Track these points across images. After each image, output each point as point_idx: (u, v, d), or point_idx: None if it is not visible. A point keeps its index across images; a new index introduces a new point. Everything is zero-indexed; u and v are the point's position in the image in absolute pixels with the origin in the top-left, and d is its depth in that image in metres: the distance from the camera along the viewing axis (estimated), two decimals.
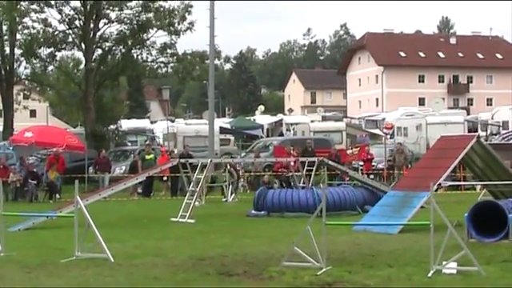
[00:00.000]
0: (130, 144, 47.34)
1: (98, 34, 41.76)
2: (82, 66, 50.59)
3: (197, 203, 22.42)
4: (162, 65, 44.12)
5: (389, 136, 51.71)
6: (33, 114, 71.78)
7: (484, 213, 15.42)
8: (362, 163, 36.20)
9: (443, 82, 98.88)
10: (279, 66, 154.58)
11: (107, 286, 11.06)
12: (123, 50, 42.80)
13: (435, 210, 11.51)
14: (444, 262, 11.43)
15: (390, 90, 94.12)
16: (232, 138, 52.28)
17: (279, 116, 70.54)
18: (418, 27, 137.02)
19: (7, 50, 42.27)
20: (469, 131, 48.16)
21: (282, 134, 58.51)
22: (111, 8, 41.47)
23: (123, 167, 36.02)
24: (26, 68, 43.96)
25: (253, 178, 33.84)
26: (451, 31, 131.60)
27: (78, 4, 41.14)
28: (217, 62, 44.75)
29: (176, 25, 41.86)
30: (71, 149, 32.62)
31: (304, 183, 24.73)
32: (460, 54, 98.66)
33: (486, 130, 53.43)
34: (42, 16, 41.21)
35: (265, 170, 34.52)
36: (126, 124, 57.08)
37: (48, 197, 30.14)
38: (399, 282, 10.98)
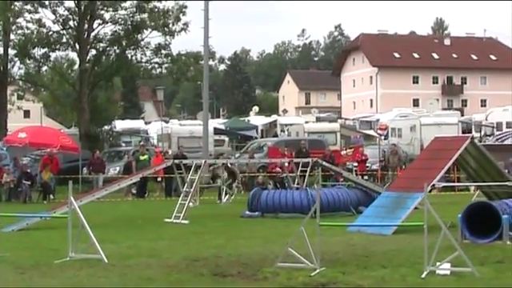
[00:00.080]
0: (124, 145, 47.31)
1: (92, 34, 41.72)
2: (76, 67, 50.49)
3: (191, 204, 22.40)
4: (157, 65, 44.11)
5: (383, 137, 51.82)
6: (27, 114, 71.62)
7: (478, 214, 15.45)
8: (356, 164, 36.22)
9: (437, 83, 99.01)
10: (274, 66, 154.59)
11: (101, 287, 11.05)
12: (117, 51, 42.76)
13: (429, 211, 11.53)
14: (438, 263, 11.44)
15: (384, 91, 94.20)
16: (226, 138, 52.31)
17: (273, 117, 70.57)
18: (413, 28, 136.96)
19: (1, 50, 42.21)
20: (463, 132, 48.27)
21: (276, 135, 58.55)
22: (105, 9, 41.43)
23: (117, 168, 36.00)
24: (19, 68, 43.95)
25: (247, 178, 33.82)
26: (445, 32, 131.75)
27: (72, 4, 41.11)
28: (211, 62, 44.81)
29: (170, 25, 41.84)
30: (65, 149, 32.57)
31: (298, 184, 24.73)
32: (454, 55, 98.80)
33: (480, 131, 53.55)
34: (36, 16, 41.23)
35: (259, 170, 34.50)
36: (120, 125, 57.04)
37: (42, 197, 30.09)
38: (393, 283, 10.99)
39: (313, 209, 12.23)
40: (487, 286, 10.79)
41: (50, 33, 41.46)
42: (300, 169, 24.96)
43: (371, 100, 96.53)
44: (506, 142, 47.22)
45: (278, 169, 29.47)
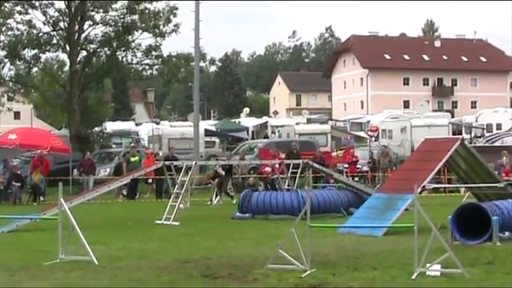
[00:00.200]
0: (114, 146, 47.22)
1: (83, 35, 41.59)
2: (66, 68, 50.36)
3: (181, 205, 22.38)
4: (147, 67, 43.99)
5: (373, 138, 51.90)
6: (17, 115, 71.43)
7: (468, 215, 15.48)
8: (346, 165, 36.26)
9: (428, 84, 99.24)
10: (264, 68, 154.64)
11: None
12: (108, 52, 42.64)
13: (419, 213, 11.55)
14: (428, 264, 11.47)
15: (374, 93, 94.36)
16: (217, 140, 52.31)
17: (264, 118, 70.59)
18: (403, 30, 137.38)
19: None
20: (453, 134, 48.40)
21: (267, 137, 58.54)
22: (96, 10, 41.30)
23: (108, 169, 35.93)
24: (10, 70, 43.70)
25: (238, 180, 33.79)
26: (436, 34, 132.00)
27: (62, 6, 40.97)
28: (202, 64, 44.74)
29: (161, 27, 41.74)
30: (55, 151, 32.49)
31: (289, 186, 24.73)
32: (444, 57, 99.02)
33: (471, 133, 53.70)
34: (27, 17, 41.01)
35: (250, 172, 34.49)
36: (110, 126, 56.92)
37: (32, 199, 30.01)
38: (383, 284, 11.01)
39: (303, 210, 12.24)
40: (477, 287, 10.81)
41: (41, 34, 41.30)
42: (291, 170, 24.97)
43: (362, 101, 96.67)
44: (496, 144, 47.39)
45: (267, 168, 29.44)
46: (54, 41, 41.65)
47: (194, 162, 23.96)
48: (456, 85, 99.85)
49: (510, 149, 38.23)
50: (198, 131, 37.38)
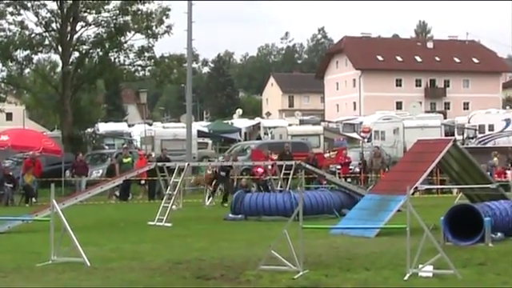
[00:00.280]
0: (107, 147, 47.18)
1: (75, 36, 41.52)
2: (58, 69, 50.29)
3: (174, 207, 22.37)
4: (140, 68, 43.95)
5: (366, 140, 51.92)
6: (9, 117, 71.19)
7: (460, 216, 15.51)
8: (339, 167, 36.26)
9: (420, 85, 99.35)
10: (257, 69, 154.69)
11: None
12: (100, 53, 42.58)
13: (412, 214, 11.56)
14: (420, 265, 11.48)
15: (367, 94, 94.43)
16: (210, 141, 52.29)
17: (257, 120, 70.57)
18: (396, 31, 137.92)
19: None
20: (446, 135, 48.51)
21: (259, 138, 58.54)
22: (88, 11, 41.24)
23: (100, 171, 35.89)
24: (1, 71, 43.63)
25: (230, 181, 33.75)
26: (428, 35, 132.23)
27: (54, 6, 40.91)
28: (194, 65, 44.82)
29: (154, 28, 41.72)
30: (48, 152, 32.43)
31: (281, 187, 24.74)
32: (437, 58, 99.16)
33: (463, 134, 53.80)
34: (19, 18, 40.95)
35: (242, 173, 34.47)
36: (103, 127, 56.84)
37: (24, 200, 29.94)
38: (376, 285, 11.02)
39: (296, 211, 12.23)
40: None
41: (33, 35, 41.23)
42: (283, 171, 24.97)
43: (354, 103, 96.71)
44: (488, 145, 47.51)
45: (259, 169, 29.40)
46: (47, 42, 41.60)
47: (186, 164, 23.95)
48: (448, 86, 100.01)
49: (502, 150, 38.40)
50: (191, 132, 37.39)
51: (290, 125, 58.40)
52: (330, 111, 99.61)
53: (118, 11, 41.64)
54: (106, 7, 41.48)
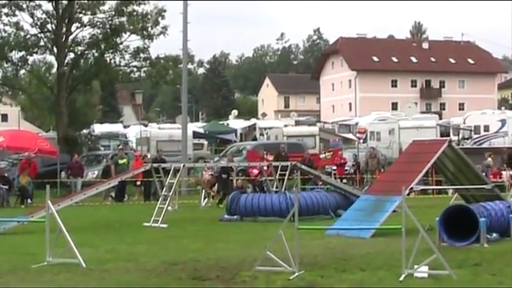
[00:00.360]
0: (102, 148, 47.18)
1: (71, 37, 41.51)
2: (54, 70, 50.29)
3: (170, 208, 22.36)
4: (135, 69, 43.97)
5: (362, 140, 51.94)
6: (4, 118, 71.32)
7: (456, 217, 15.52)
8: (335, 167, 36.30)
9: (416, 86, 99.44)
10: (253, 70, 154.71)
11: None
12: (96, 54, 42.58)
13: (407, 214, 11.57)
14: (416, 266, 11.49)
15: (362, 95, 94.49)
16: (205, 142, 52.28)
17: (253, 120, 70.55)
18: (391, 32, 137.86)
19: None
20: (441, 136, 48.54)
21: (255, 139, 58.52)
22: (84, 12, 41.23)
23: (96, 172, 35.90)
24: None
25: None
26: (423, 36, 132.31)
27: (50, 7, 40.90)
28: (190, 66, 44.71)
29: (149, 29, 41.72)
30: (43, 153, 32.38)
31: (277, 188, 24.74)
32: (432, 59, 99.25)
33: (458, 135, 53.85)
34: (14, 19, 40.92)
35: (238, 174, 34.44)
36: (98, 128, 56.81)
37: (19, 202, 29.89)
38: (371, 286, 11.02)
39: (291, 212, 12.23)
40: None
41: (28, 36, 41.21)
42: (279, 172, 24.97)
43: (350, 103, 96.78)
44: (483, 146, 47.58)
45: (254, 170, 29.40)
46: (42, 43, 41.59)
47: (182, 164, 23.93)
48: (444, 87, 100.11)
49: (496, 150, 38.52)
50: (187, 133, 37.38)
51: (285, 125, 58.44)
52: (325, 112, 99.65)
53: (113, 12, 41.65)
54: (101, 8, 41.50)
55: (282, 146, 35.57)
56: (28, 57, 42.35)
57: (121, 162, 32.52)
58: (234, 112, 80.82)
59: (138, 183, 31.72)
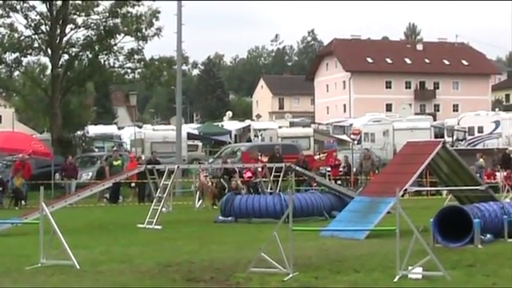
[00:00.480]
0: (97, 150, 47.14)
1: (65, 39, 41.46)
2: (48, 72, 50.17)
3: (164, 209, 22.35)
4: (130, 70, 43.94)
5: (356, 142, 51.99)
6: None
7: (450, 218, 15.54)
8: (329, 169, 36.31)
9: (410, 88, 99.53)
10: (247, 71, 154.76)
11: None
12: (90, 56, 42.54)
13: (401, 216, 11.58)
14: (410, 267, 11.49)
15: (357, 96, 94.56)
16: (200, 143, 52.27)
17: (247, 122, 70.56)
18: (385, 33, 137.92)
19: None
20: (435, 137, 48.62)
21: (249, 140, 58.54)
22: (78, 13, 41.19)
23: (90, 173, 35.85)
24: None
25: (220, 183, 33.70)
26: (418, 38, 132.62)
27: (44, 9, 40.84)
28: (184, 67, 44.67)
29: (143, 30, 41.70)
30: (37, 155, 32.35)
31: (271, 189, 24.74)
32: (426, 61, 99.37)
33: (452, 136, 53.95)
34: (8, 21, 40.85)
35: (232, 176, 34.39)
36: (93, 130, 56.78)
37: (13, 203, 29.84)
38: (366, 287, 11.02)
39: (286, 213, 12.23)
40: None
41: (22, 37, 41.14)
42: (273, 174, 24.98)
43: (344, 105, 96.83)
44: (477, 147, 47.65)
45: (248, 173, 29.36)
46: (36, 44, 41.53)
47: (176, 166, 23.92)
48: (438, 88, 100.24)
49: (487, 151, 38.59)
50: (181, 135, 37.39)
51: (280, 127, 58.48)
52: (320, 113, 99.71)
53: (107, 14, 41.62)
54: (95, 9, 41.47)
55: (276, 148, 35.59)
56: (22, 58, 42.34)
57: (115, 163, 32.51)
58: (229, 113, 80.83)
59: (133, 185, 31.69)
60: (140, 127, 58.19)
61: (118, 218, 24.28)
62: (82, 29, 41.71)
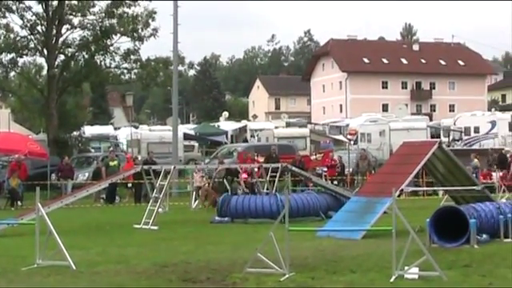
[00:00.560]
0: (93, 150, 47.09)
1: (61, 39, 41.46)
2: (44, 72, 50.16)
3: (161, 210, 22.34)
4: (126, 71, 43.94)
5: (352, 142, 52.02)
6: None
7: (446, 218, 15.55)
8: (325, 169, 36.30)
9: (406, 88, 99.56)
10: (243, 72, 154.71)
11: None
12: (86, 56, 42.53)
13: (397, 216, 11.58)
14: (406, 267, 11.50)
15: (353, 96, 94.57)
16: (196, 144, 52.24)
17: (243, 122, 70.51)
18: (382, 34, 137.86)
19: None
20: (431, 137, 48.66)
21: (246, 141, 58.51)
22: (74, 13, 41.18)
23: (86, 174, 35.82)
24: None
25: (217, 184, 33.70)
26: (414, 38, 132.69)
27: (40, 9, 40.84)
28: (180, 68, 44.83)
29: (139, 31, 41.70)
30: (33, 155, 32.30)
31: (268, 189, 24.74)
32: (423, 61, 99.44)
33: (449, 136, 54.01)
34: (4, 21, 40.90)
35: (228, 176, 34.37)
36: (89, 130, 56.76)
37: (9, 204, 29.80)
38: (362, 287, 11.03)
39: (282, 214, 12.23)
40: None
41: (18, 38, 41.13)
42: (270, 174, 24.97)
43: (341, 105, 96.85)
44: (474, 147, 47.69)
45: (244, 175, 29.32)
46: (32, 45, 41.51)
47: (172, 166, 23.92)
48: (434, 88, 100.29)
49: (482, 152, 38.59)
50: (177, 135, 37.40)
51: (276, 127, 58.44)
52: (316, 114, 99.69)
53: (103, 14, 41.61)
54: (91, 10, 41.48)
55: (272, 148, 35.59)
56: (18, 59, 42.30)
57: (111, 163, 32.48)
58: (225, 114, 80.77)
59: (129, 185, 31.68)
60: (136, 128, 58.13)
61: (114, 218, 24.28)
62: (78, 29, 41.75)
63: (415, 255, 11.70)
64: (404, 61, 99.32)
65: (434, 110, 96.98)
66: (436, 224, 15.41)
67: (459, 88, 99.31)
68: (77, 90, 45.96)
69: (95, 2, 41.44)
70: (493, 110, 70.29)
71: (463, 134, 54.40)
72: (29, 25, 40.86)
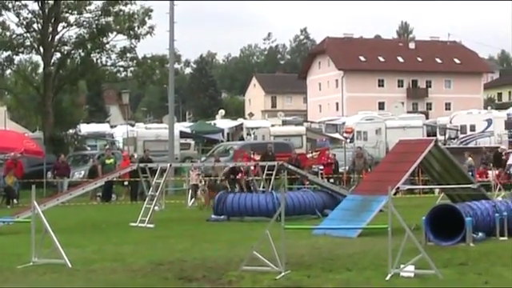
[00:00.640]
0: (89, 148, 47.06)
1: (57, 37, 41.41)
2: (40, 70, 50.18)
3: (157, 208, 22.32)
4: (122, 69, 43.92)
5: (349, 140, 52.02)
6: None
7: (442, 216, 15.56)
8: (322, 167, 36.29)
9: (402, 86, 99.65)
10: (240, 70, 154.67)
11: None
12: (82, 54, 42.49)
13: (393, 214, 11.59)
14: (402, 266, 11.51)
15: (349, 95, 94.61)
16: (192, 142, 52.20)
17: (240, 120, 70.52)
18: (378, 32, 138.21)
19: None
20: (427, 135, 48.70)
21: (242, 139, 58.50)
22: (70, 11, 41.13)
23: (82, 172, 35.80)
24: None
25: (213, 182, 33.68)
26: (410, 36, 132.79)
27: (36, 7, 40.80)
28: (177, 66, 44.69)
29: (136, 29, 41.69)
30: (29, 153, 32.26)
31: (264, 187, 24.74)
32: (419, 59, 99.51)
33: (445, 135, 54.03)
34: (0, 19, 40.79)
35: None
36: (85, 128, 56.66)
37: (5, 202, 29.79)
38: (358, 285, 11.02)
39: (278, 212, 12.22)
40: None
41: (14, 36, 41.08)
42: (266, 172, 24.96)
43: (337, 103, 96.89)
44: (469, 145, 47.74)
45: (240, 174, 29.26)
46: (28, 42, 41.47)
47: (168, 164, 23.89)
48: (430, 86, 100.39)
49: (476, 150, 38.60)
50: (173, 133, 37.34)
51: (272, 125, 58.39)
52: (312, 112, 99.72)
53: (99, 12, 41.60)
54: (87, 8, 41.44)
55: (269, 146, 35.58)
56: (14, 56, 42.30)
57: (108, 161, 32.46)
58: (221, 112, 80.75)
59: (125, 183, 31.65)
60: (132, 125, 58.10)
61: (110, 216, 24.27)
62: (74, 27, 41.72)
63: (411, 253, 11.71)
64: (400, 59, 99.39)
65: (430, 108, 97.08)
66: (432, 222, 15.42)
67: (455, 86, 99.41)
68: (73, 87, 45.87)
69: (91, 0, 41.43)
70: (489, 108, 70.38)
71: (459, 132, 54.43)
72: (25, 22, 40.82)
